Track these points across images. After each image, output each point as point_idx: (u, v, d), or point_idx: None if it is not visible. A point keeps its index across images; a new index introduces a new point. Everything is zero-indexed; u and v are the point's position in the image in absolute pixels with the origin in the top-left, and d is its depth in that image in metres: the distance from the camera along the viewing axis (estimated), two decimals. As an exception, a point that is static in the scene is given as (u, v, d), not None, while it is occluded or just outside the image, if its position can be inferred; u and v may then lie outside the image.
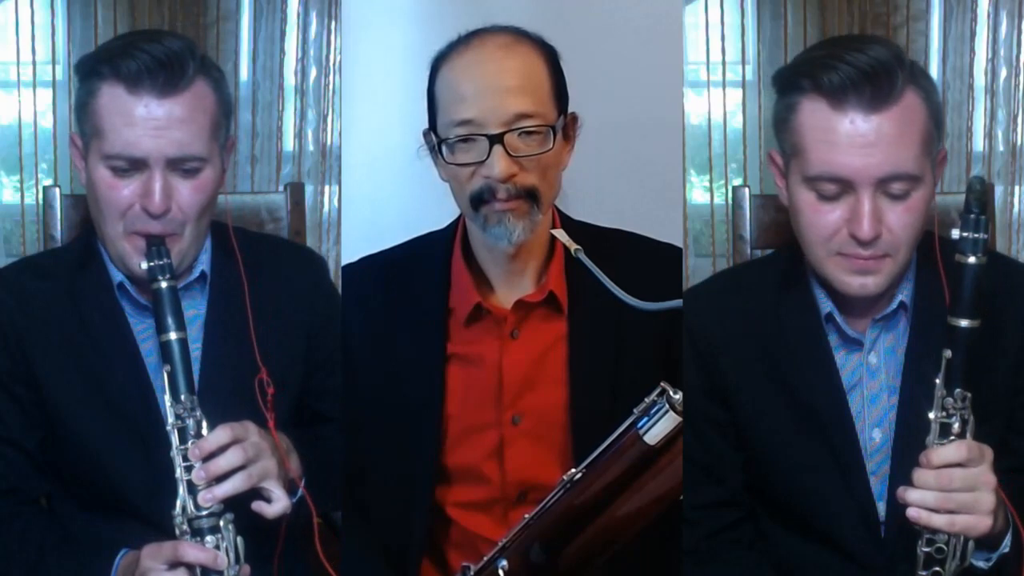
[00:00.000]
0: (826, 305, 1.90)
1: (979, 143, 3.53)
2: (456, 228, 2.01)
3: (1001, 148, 3.52)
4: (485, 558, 1.80)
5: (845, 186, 1.79)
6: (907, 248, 1.83)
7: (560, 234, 1.86)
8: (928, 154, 1.81)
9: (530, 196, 1.87)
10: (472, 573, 1.80)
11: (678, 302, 1.75)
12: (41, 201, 2.31)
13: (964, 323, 1.73)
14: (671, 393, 1.70)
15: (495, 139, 1.85)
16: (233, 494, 1.80)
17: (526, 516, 1.79)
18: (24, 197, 3.40)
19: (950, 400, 1.73)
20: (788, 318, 1.92)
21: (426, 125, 1.95)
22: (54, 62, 3.38)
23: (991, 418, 1.81)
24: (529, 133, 1.87)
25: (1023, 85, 3.49)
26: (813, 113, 1.79)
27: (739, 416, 1.94)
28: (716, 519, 1.95)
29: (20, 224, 3.39)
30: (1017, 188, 3.51)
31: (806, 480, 1.90)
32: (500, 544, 1.79)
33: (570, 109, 1.95)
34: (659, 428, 1.70)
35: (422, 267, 2.01)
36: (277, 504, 1.83)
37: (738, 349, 1.93)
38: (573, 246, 1.82)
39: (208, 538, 1.78)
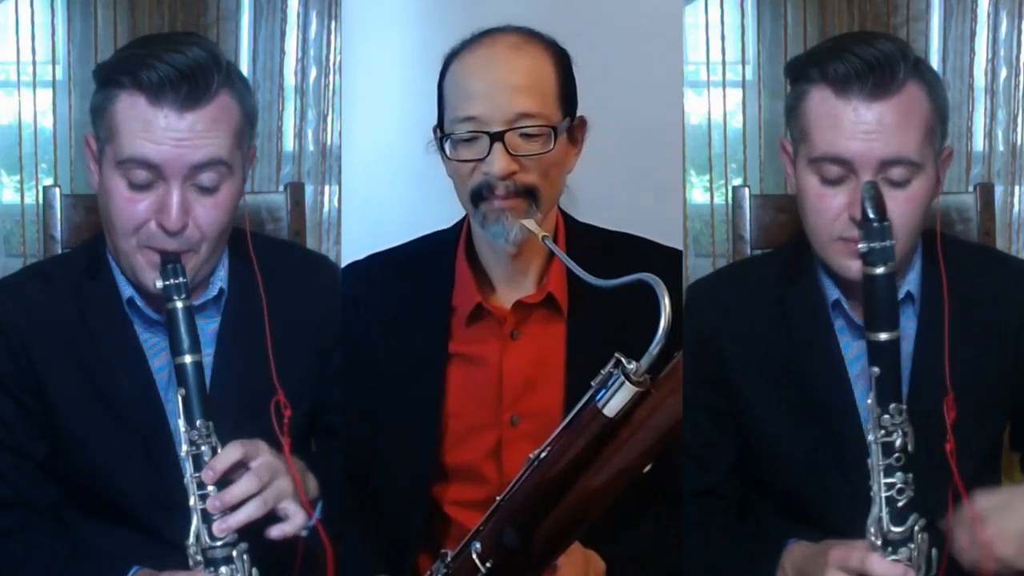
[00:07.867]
0: (833, 292, 1.91)
1: (979, 143, 3.53)
2: (462, 227, 2.01)
3: (1001, 148, 3.51)
4: (460, 544, 1.77)
5: (848, 170, 1.82)
6: (907, 237, 1.84)
7: (529, 223, 1.86)
8: (931, 144, 1.84)
9: (529, 195, 1.88)
10: (449, 559, 1.78)
11: (637, 276, 1.67)
12: (41, 201, 2.30)
13: (884, 336, 1.70)
14: (626, 364, 1.65)
15: (496, 137, 1.86)
16: (248, 522, 1.75)
17: (496, 498, 1.76)
18: (24, 197, 3.39)
19: (887, 417, 1.70)
20: (794, 305, 1.93)
21: (434, 121, 1.95)
22: (54, 62, 3.37)
23: (990, 418, 1.82)
24: (531, 134, 1.87)
25: (1023, 85, 3.49)
26: (819, 101, 1.84)
27: (743, 406, 1.94)
28: (709, 505, 1.95)
29: (20, 224, 3.38)
30: (1017, 188, 3.51)
31: (808, 469, 1.91)
32: (475, 528, 1.77)
33: (571, 110, 1.95)
34: (617, 400, 1.66)
35: (427, 265, 2.01)
36: (295, 519, 1.77)
37: (743, 338, 1.94)
38: (540, 232, 1.83)
39: (222, 569, 1.74)
